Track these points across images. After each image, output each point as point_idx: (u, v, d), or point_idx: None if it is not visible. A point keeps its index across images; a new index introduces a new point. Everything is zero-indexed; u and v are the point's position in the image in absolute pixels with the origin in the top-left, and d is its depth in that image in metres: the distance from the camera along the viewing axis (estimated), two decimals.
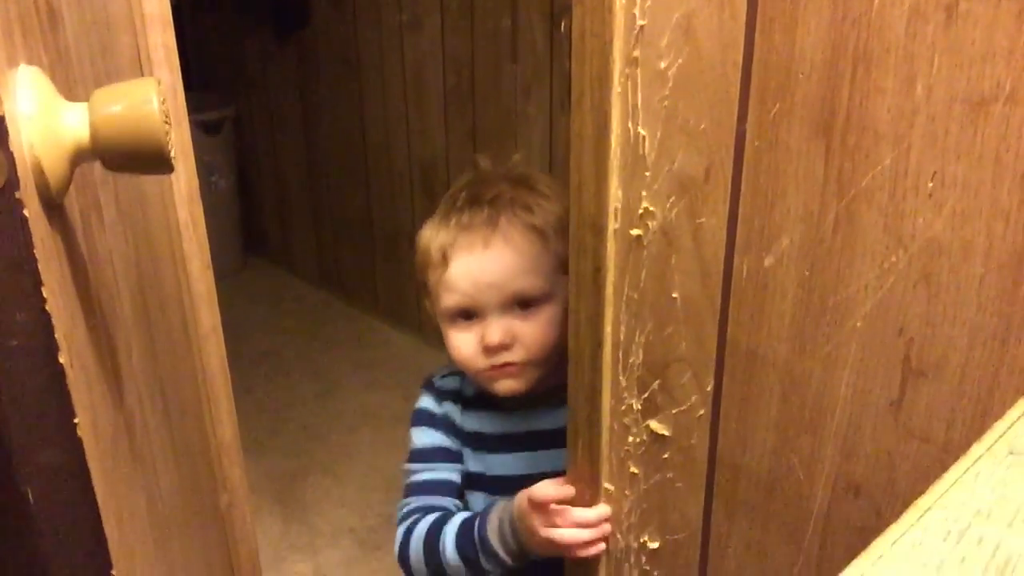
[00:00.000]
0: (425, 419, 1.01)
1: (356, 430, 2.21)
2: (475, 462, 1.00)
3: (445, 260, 0.93)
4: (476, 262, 0.91)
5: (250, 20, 2.77)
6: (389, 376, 2.38)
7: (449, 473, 0.99)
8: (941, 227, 0.53)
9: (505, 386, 0.94)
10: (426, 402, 1.02)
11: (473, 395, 1.00)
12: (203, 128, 2.71)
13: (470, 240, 0.92)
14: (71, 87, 0.54)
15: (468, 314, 0.93)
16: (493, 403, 0.98)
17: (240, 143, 2.99)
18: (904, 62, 0.51)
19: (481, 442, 0.99)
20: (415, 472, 0.99)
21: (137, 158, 0.47)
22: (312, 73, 2.63)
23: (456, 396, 1.01)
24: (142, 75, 0.92)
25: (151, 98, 0.46)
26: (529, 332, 0.92)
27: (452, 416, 1.00)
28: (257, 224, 3.13)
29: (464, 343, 0.93)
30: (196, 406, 1.06)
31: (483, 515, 0.91)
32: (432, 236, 0.95)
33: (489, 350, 0.92)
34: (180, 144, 0.97)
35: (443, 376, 1.04)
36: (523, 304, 0.92)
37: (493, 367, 0.92)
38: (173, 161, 0.48)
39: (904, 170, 0.53)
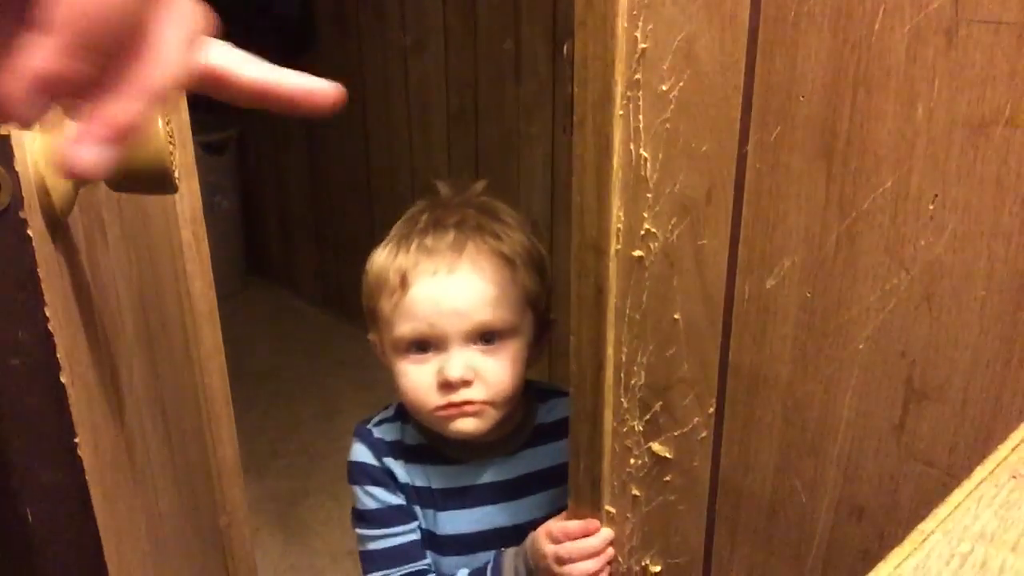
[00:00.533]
0: (367, 476, 0.91)
1: None
2: (422, 520, 0.91)
3: (404, 284, 0.83)
4: (439, 287, 0.82)
5: (255, 42, 2.78)
6: (391, 397, 2.37)
7: (412, 533, 0.90)
8: (942, 249, 0.53)
9: (463, 426, 0.85)
10: (362, 454, 0.92)
11: (415, 445, 0.91)
12: (207, 149, 2.72)
13: (434, 264, 0.83)
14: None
15: (424, 345, 0.84)
16: (439, 455, 0.90)
17: (244, 164, 3.00)
18: (904, 85, 0.52)
19: (428, 498, 0.91)
20: (373, 539, 0.90)
21: (142, 179, 0.47)
22: None
23: (396, 448, 0.92)
24: None
25: (156, 120, 0.46)
26: (492, 369, 0.84)
27: (394, 470, 0.91)
28: (260, 244, 3.14)
29: (418, 377, 0.84)
30: (197, 426, 1.05)
31: (494, 570, 0.86)
32: (388, 260, 0.86)
33: (448, 386, 0.83)
34: (184, 165, 0.98)
35: (378, 423, 0.94)
36: (487, 338, 0.84)
37: (451, 405, 0.83)
38: (178, 182, 0.48)
39: (905, 193, 0.53)
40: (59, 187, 0.44)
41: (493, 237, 0.86)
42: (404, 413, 0.93)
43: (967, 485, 0.39)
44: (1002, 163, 0.49)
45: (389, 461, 0.91)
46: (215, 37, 0.34)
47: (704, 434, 0.70)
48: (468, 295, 0.83)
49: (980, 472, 0.40)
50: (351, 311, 2.79)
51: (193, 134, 0.99)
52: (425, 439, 0.91)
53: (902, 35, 0.51)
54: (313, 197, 2.83)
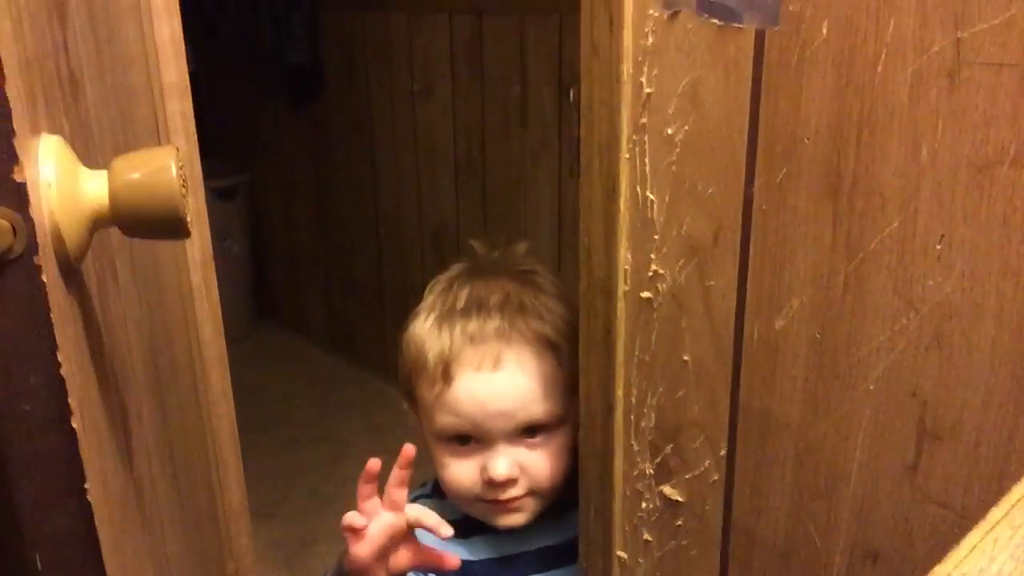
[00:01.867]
0: None
1: None
2: None
3: (447, 376, 0.80)
4: (485, 386, 0.79)
5: (265, 89, 2.83)
6: (400, 441, 2.35)
7: None
8: (951, 289, 0.53)
9: (509, 521, 0.82)
10: None
11: (456, 520, 0.85)
12: (217, 194, 2.75)
13: (479, 357, 0.79)
14: (91, 154, 0.55)
15: (466, 439, 0.82)
16: (484, 525, 0.86)
17: (254, 209, 3.03)
18: (908, 127, 0.52)
19: (471, 571, 0.86)
20: None
21: (155, 224, 0.48)
22: (325, 141, 2.68)
23: None
24: (159, 142, 0.94)
25: (169, 166, 0.47)
26: (538, 463, 0.81)
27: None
28: (269, 288, 3.15)
29: (462, 472, 0.82)
30: (205, 471, 1.05)
31: None
32: (429, 340, 0.82)
33: (493, 484, 0.80)
34: (195, 210, 0.99)
35: (415, 498, 0.90)
36: (532, 431, 0.81)
37: (495, 501, 0.81)
38: (190, 227, 0.49)
39: (912, 233, 0.54)
40: (73, 233, 0.44)
41: (537, 319, 0.82)
42: (439, 489, 0.90)
43: (983, 526, 0.38)
44: (1007, 203, 0.49)
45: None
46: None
47: (716, 477, 0.70)
48: (513, 395, 0.80)
49: (995, 513, 0.39)
50: (359, 355, 2.79)
51: (204, 180, 1.01)
52: (461, 514, 0.88)
53: (905, 77, 0.52)
54: (322, 242, 2.85)
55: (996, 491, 0.53)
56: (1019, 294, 0.50)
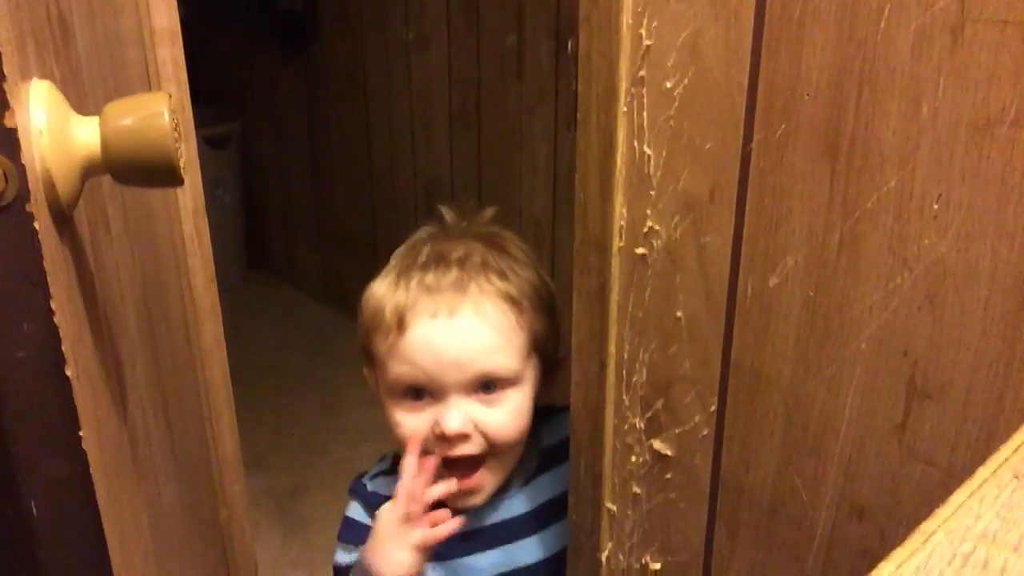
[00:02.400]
0: (354, 536, 0.85)
1: (357, 446, 2.21)
2: (431, 569, 0.83)
3: (401, 325, 0.78)
4: (439, 332, 0.77)
5: (258, 36, 2.79)
6: None
7: None
8: (946, 249, 0.53)
9: (468, 502, 0.80)
10: (355, 511, 0.86)
11: None
12: (209, 143, 2.72)
13: (434, 304, 0.77)
14: (82, 100, 0.55)
15: (420, 392, 0.79)
16: (442, 501, 0.81)
17: (246, 158, 3.01)
18: (909, 84, 0.52)
19: (440, 552, 0.83)
20: None
21: (148, 171, 0.47)
22: (319, 90, 2.65)
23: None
24: (151, 89, 0.93)
25: (162, 112, 0.46)
26: (494, 420, 0.78)
27: None
28: (261, 239, 3.14)
29: (412, 426, 0.79)
30: (198, 420, 1.06)
31: None
32: (386, 295, 0.80)
33: (445, 439, 0.78)
34: (187, 159, 0.97)
35: (376, 476, 0.88)
36: (488, 387, 0.78)
37: (445, 459, 0.78)
38: (183, 175, 0.48)
39: (909, 192, 0.53)
40: (65, 180, 0.44)
41: (499, 276, 0.80)
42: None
43: (969, 485, 0.39)
44: (1007, 163, 0.49)
45: None
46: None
47: (705, 432, 0.70)
48: (469, 344, 0.77)
49: (982, 472, 0.40)
50: (352, 306, 2.78)
51: (195, 128, 0.99)
52: None
53: (908, 34, 0.51)
54: (315, 192, 2.83)
55: (983, 451, 0.54)
56: (1014, 255, 0.50)
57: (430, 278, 0.79)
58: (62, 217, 0.45)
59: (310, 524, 1.98)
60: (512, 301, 0.80)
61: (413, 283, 0.79)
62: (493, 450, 0.80)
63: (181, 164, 0.48)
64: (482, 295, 0.78)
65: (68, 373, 0.42)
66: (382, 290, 0.81)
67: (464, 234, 0.85)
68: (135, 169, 0.47)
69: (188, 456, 0.95)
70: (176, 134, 0.47)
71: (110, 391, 0.55)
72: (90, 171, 0.46)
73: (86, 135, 0.45)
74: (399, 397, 0.80)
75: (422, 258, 0.81)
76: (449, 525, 0.77)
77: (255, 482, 1.87)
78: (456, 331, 0.77)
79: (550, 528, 0.88)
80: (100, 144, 0.46)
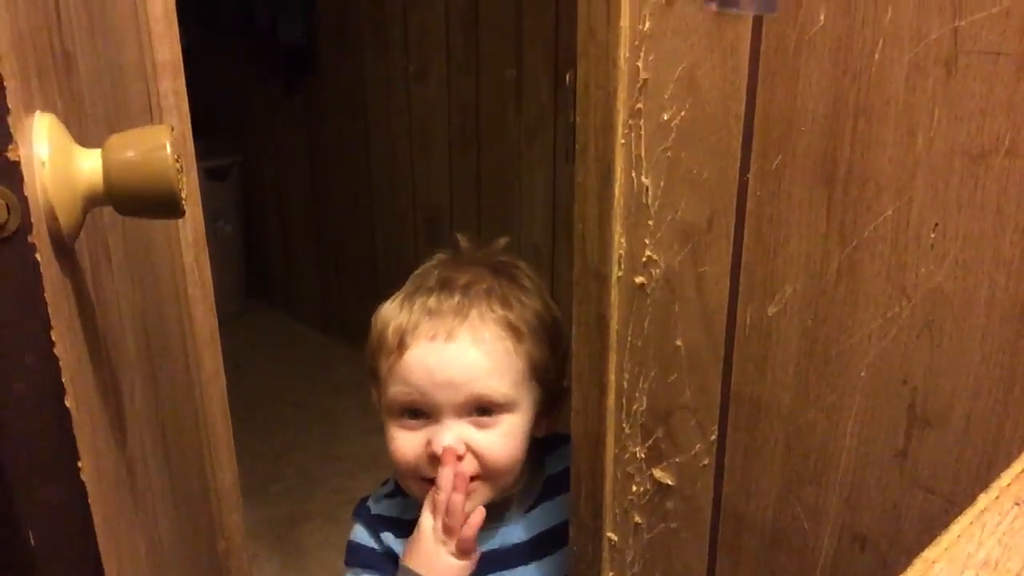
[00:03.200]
0: (360, 559, 0.86)
1: (357, 476, 2.19)
2: None
3: (402, 345, 0.80)
4: (435, 354, 0.79)
5: (259, 68, 2.81)
6: None
7: None
8: (943, 277, 0.53)
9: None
10: (360, 535, 0.87)
11: (416, 519, 0.84)
12: (210, 174, 2.74)
13: (433, 328, 0.80)
14: (84, 132, 0.55)
15: (416, 412, 0.81)
16: None
17: (246, 189, 3.02)
18: (904, 115, 0.52)
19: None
20: None
21: (150, 203, 0.47)
22: (319, 120, 2.66)
23: (396, 525, 0.87)
24: (152, 121, 0.93)
25: (165, 144, 0.47)
26: (486, 443, 0.80)
27: (393, 549, 0.85)
28: (261, 268, 3.14)
29: (407, 445, 0.81)
30: (196, 450, 1.05)
31: None
32: (391, 316, 0.83)
33: (437, 459, 0.79)
34: (188, 190, 0.98)
35: (380, 499, 0.90)
36: (483, 411, 0.80)
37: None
38: (184, 207, 0.49)
39: (906, 221, 0.54)
40: (67, 212, 0.44)
41: (501, 304, 0.81)
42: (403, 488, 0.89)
43: (971, 512, 0.39)
44: (1002, 192, 0.50)
45: (388, 538, 0.86)
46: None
47: (706, 461, 0.70)
48: (463, 366, 0.79)
49: (983, 500, 0.40)
50: (351, 335, 2.79)
51: (196, 160, 1.00)
52: None
53: (902, 65, 0.52)
54: (315, 222, 2.84)
55: (984, 478, 0.53)
56: (1011, 283, 0.51)
57: (432, 301, 0.81)
58: (63, 248, 0.45)
59: (308, 554, 1.96)
60: (511, 328, 0.81)
61: (416, 305, 0.82)
62: (487, 473, 0.81)
63: (183, 196, 0.48)
64: (481, 321, 0.80)
65: (68, 404, 0.42)
66: (389, 311, 0.84)
67: (475, 262, 0.87)
68: (137, 201, 0.47)
69: (186, 486, 0.94)
70: (178, 166, 0.47)
71: (109, 421, 0.55)
72: (92, 203, 0.46)
73: (88, 167, 0.46)
74: (397, 416, 0.82)
75: (430, 282, 0.84)
76: (478, 514, 0.79)
77: (253, 512, 1.86)
78: (452, 354, 0.79)
79: (549, 557, 0.87)
80: (102, 176, 0.46)
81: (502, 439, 0.81)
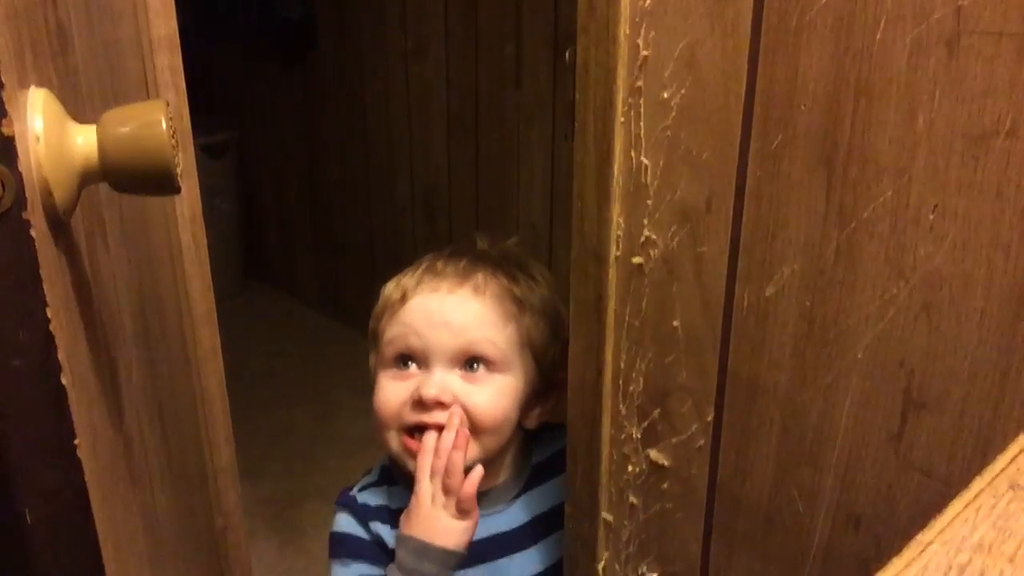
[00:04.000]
0: (349, 549, 0.85)
1: (354, 455, 2.20)
2: None
3: (403, 298, 0.82)
4: (436, 301, 0.81)
5: (256, 45, 2.79)
6: None
7: None
8: (942, 259, 0.53)
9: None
10: (346, 524, 0.87)
11: (404, 507, 0.83)
12: (207, 151, 2.73)
13: (436, 282, 0.82)
14: (80, 107, 0.55)
15: (407, 361, 0.81)
16: None
17: (243, 166, 3.01)
18: (905, 95, 0.52)
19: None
20: None
21: (145, 179, 0.47)
22: (317, 98, 2.65)
23: (383, 513, 0.86)
24: (148, 97, 0.93)
25: (160, 120, 0.46)
26: (474, 397, 0.79)
27: (382, 538, 0.85)
28: (259, 247, 3.14)
29: (393, 391, 0.81)
30: (194, 428, 1.05)
31: None
32: (398, 281, 0.85)
33: (421, 404, 0.79)
34: (184, 167, 0.98)
35: (363, 488, 0.89)
36: (473, 364, 0.80)
37: (420, 425, 0.79)
38: (180, 183, 0.48)
39: (905, 202, 0.54)
40: (62, 188, 0.44)
41: (507, 277, 0.83)
42: (389, 475, 0.89)
43: (965, 496, 0.39)
44: (1002, 174, 0.49)
45: (377, 527, 0.86)
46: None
47: (702, 442, 0.70)
48: (461, 312, 0.80)
49: (978, 483, 0.40)
50: (349, 314, 2.80)
51: (193, 136, 0.99)
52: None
53: (903, 45, 0.51)
54: (312, 200, 2.83)
55: (979, 461, 0.54)
56: (1009, 266, 0.50)
57: (440, 264, 0.84)
58: (59, 225, 0.45)
59: (305, 533, 1.97)
60: (514, 297, 0.83)
61: (423, 268, 0.84)
62: (473, 428, 0.80)
63: (179, 172, 0.48)
64: (485, 283, 0.82)
65: (63, 381, 0.42)
66: (394, 279, 0.86)
67: (490, 251, 0.89)
68: (132, 177, 0.47)
69: (183, 464, 0.95)
70: (173, 142, 0.47)
71: (106, 399, 0.55)
72: (87, 179, 0.46)
73: (83, 143, 0.45)
74: (389, 366, 0.83)
75: (440, 256, 0.86)
76: (477, 471, 0.79)
77: (250, 491, 1.87)
78: (452, 302, 0.81)
79: (540, 543, 0.87)
80: (97, 152, 0.46)
81: (489, 395, 0.81)
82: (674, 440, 0.72)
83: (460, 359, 0.80)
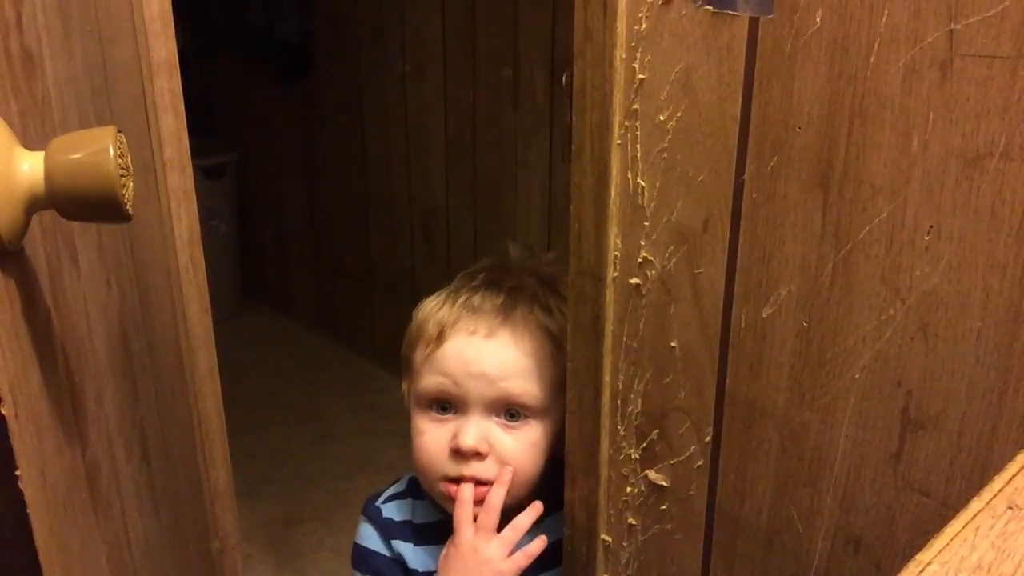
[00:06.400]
0: (370, 565, 0.86)
1: (351, 477, 2.19)
2: None
3: (440, 337, 0.80)
4: (473, 347, 0.79)
5: (255, 67, 2.81)
6: (385, 422, 2.36)
7: None
8: (938, 280, 0.53)
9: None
10: (370, 539, 0.86)
11: (428, 524, 0.85)
12: (206, 173, 2.73)
13: (475, 323, 0.80)
14: (48, 134, 0.53)
15: (446, 405, 0.81)
16: (452, 527, 0.82)
17: (242, 188, 3.01)
18: (900, 118, 0.52)
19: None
20: None
21: (92, 207, 0.46)
22: (315, 120, 2.66)
23: (406, 529, 0.86)
24: (147, 120, 0.93)
25: (107, 147, 0.45)
26: (510, 447, 0.79)
27: (403, 555, 0.85)
28: (257, 268, 3.14)
29: (432, 438, 0.80)
30: (190, 450, 1.05)
31: None
32: (432, 310, 0.83)
33: (459, 454, 0.79)
34: (183, 189, 0.98)
35: (387, 499, 0.89)
36: (511, 413, 0.80)
37: (459, 478, 0.79)
38: (130, 211, 0.47)
39: (901, 223, 0.54)
40: (6, 216, 0.42)
41: (544, 311, 0.82)
42: (416, 488, 0.88)
43: (964, 516, 0.39)
44: (996, 195, 0.50)
45: (399, 544, 0.85)
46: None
47: (701, 463, 0.70)
48: (500, 362, 0.79)
49: (977, 503, 0.40)
50: (347, 335, 2.79)
51: (192, 158, 1.00)
52: (440, 514, 0.85)
53: (897, 68, 0.52)
54: (310, 222, 2.83)
55: (978, 481, 0.54)
56: (1005, 287, 0.51)
57: (477, 299, 0.82)
58: (4, 253, 0.44)
59: (302, 555, 1.96)
60: (551, 336, 0.81)
61: (460, 301, 0.82)
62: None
63: (127, 200, 0.46)
64: (524, 324, 0.81)
65: (3, 411, 0.41)
66: (430, 306, 0.84)
67: (523, 269, 0.87)
68: (79, 205, 0.45)
69: (175, 487, 0.94)
70: (123, 170, 0.46)
71: (63, 427, 0.53)
72: (35, 206, 0.45)
73: (30, 169, 0.44)
74: (425, 408, 0.82)
75: (475, 282, 0.84)
76: (539, 543, 0.80)
77: (247, 512, 1.86)
78: (490, 350, 0.79)
79: (552, 570, 0.86)
80: (44, 179, 0.44)
81: (526, 447, 0.80)
82: (673, 461, 0.72)
83: (498, 408, 0.80)
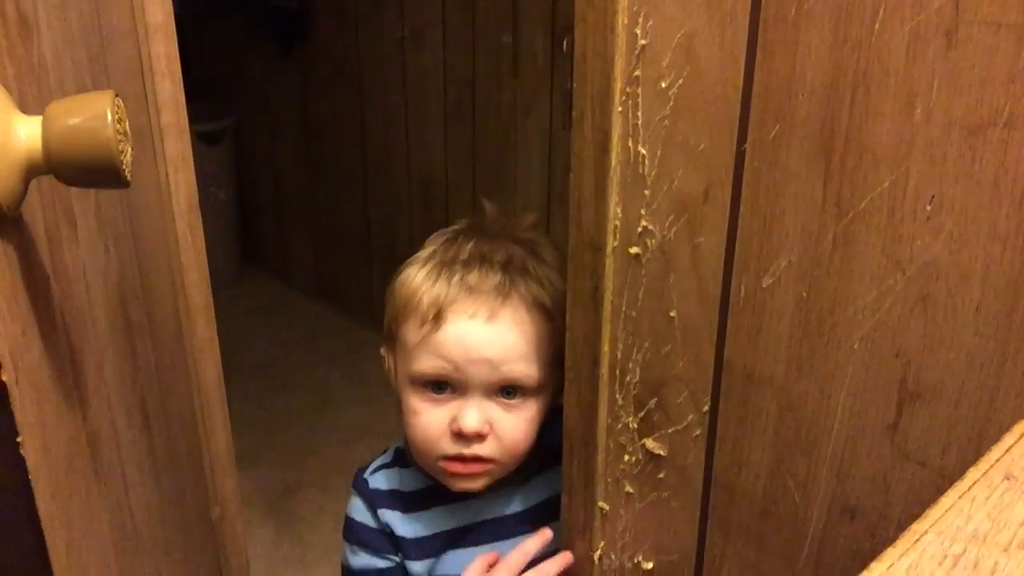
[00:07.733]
0: (359, 537, 0.87)
1: (350, 444, 2.21)
2: (422, 567, 0.86)
3: (438, 318, 0.79)
4: (476, 332, 0.78)
5: (252, 32, 2.78)
6: (384, 390, 2.36)
7: None
8: (939, 250, 0.53)
9: (467, 484, 0.82)
10: (358, 512, 0.88)
11: (416, 491, 0.86)
12: (203, 139, 2.71)
13: (474, 305, 0.79)
14: (45, 98, 0.53)
15: (442, 385, 0.80)
16: (444, 493, 0.85)
17: (240, 154, 3.00)
18: (903, 86, 0.52)
19: (429, 546, 0.86)
20: None
21: (90, 173, 0.45)
22: (313, 86, 2.64)
23: (393, 498, 0.87)
24: (143, 85, 0.92)
25: (105, 112, 0.44)
26: (510, 426, 0.80)
27: (391, 525, 0.86)
28: (255, 235, 3.13)
29: (430, 419, 0.80)
30: (190, 417, 1.05)
31: None
32: (425, 285, 0.81)
33: (461, 437, 0.79)
34: (180, 155, 0.97)
35: (375, 470, 0.90)
36: (509, 392, 0.80)
37: (458, 458, 0.80)
38: (128, 177, 0.47)
39: (902, 193, 0.53)
40: (4, 182, 0.42)
41: (538, 284, 0.81)
42: (402, 457, 0.89)
43: (960, 486, 0.39)
44: (999, 165, 0.49)
45: (385, 513, 0.87)
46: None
47: (698, 432, 0.70)
48: (503, 347, 0.79)
49: (973, 473, 0.40)
50: (345, 303, 2.79)
51: (189, 124, 0.99)
52: (427, 481, 0.86)
53: (902, 35, 0.51)
54: (309, 188, 2.82)
55: (975, 451, 0.54)
56: (1006, 257, 0.50)
57: (473, 278, 0.80)
58: (2, 218, 0.43)
59: (302, 521, 1.97)
60: (547, 312, 0.81)
61: (455, 279, 0.80)
62: (501, 455, 0.81)
63: (125, 166, 0.46)
64: (522, 303, 0.80)
65: (4, 378, 0.40)
66: (419, 278, 0.82)
67: (504, 235, 0.86)
68: (77, 170, 0.45)
69: (173, 454, 0.94)
70: (121, 135, 0.45)
71: (64, 394, 0.54)
72: (32, 171, 0.44)
73: (27, 135, 0.44)
74: (420, 387, 0.81)
75: (464, 255, 0.82)
76: (563, 557, 0.83)
77: (247, 479, 1.87)
78: (492, 335, 0.79)
79: (550, 525, 0.87)
80: (41, 144, 0.44)
81: (524, 424, 0.81)
82: (670, 430, 0.72)
83: (496, 388, 0.80)
